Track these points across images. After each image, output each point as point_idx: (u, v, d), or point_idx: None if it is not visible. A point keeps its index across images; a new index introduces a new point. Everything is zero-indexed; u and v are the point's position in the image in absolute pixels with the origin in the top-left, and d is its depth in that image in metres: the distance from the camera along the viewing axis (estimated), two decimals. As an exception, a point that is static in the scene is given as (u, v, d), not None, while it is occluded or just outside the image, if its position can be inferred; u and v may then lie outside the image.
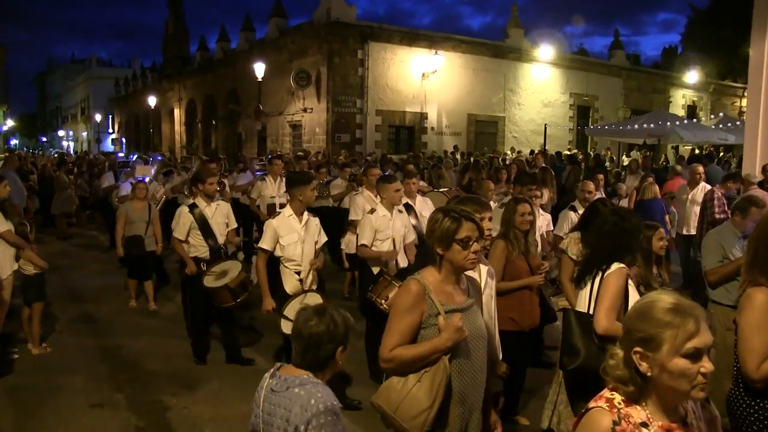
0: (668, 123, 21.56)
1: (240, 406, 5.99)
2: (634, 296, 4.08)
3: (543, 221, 7.96)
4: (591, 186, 8.26)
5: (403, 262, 6.97)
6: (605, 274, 4.09)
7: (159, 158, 17.33)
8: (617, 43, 35.78)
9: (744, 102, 39.56)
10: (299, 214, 6.25)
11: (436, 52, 26.75)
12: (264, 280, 6.22)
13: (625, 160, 22.83)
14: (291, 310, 5.73)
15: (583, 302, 4.29)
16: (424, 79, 26.98)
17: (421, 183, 12.54)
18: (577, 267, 5.21)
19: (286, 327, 5.56)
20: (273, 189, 10.94)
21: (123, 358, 7.59)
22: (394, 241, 6.90)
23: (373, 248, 6.84)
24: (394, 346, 3.13)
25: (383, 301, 6.12)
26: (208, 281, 7.06)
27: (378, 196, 8.52)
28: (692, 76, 36.78)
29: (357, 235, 8.21)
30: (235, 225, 8.07)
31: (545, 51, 30.49)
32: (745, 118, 14.01)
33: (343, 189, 12.04)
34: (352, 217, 8.92)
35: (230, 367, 7.25)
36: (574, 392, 4.38)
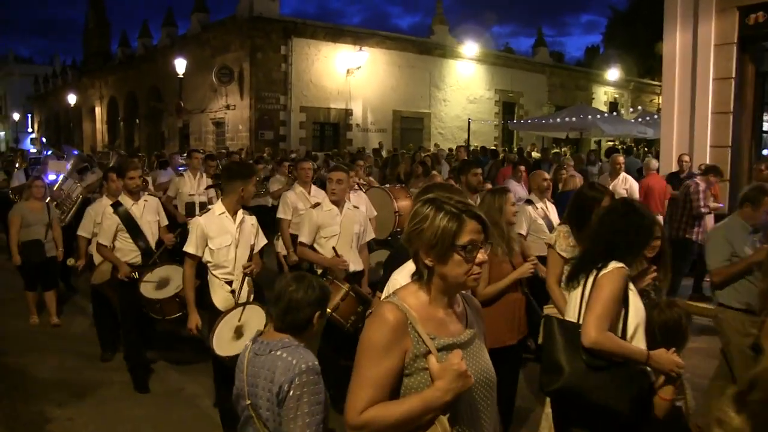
0: (590, 116, 22.00)
1: (131, 412, 5.73)
2: (636, 304, 3.37)
3: None
4: (545, 174, 7.71)
5: (355, 265, 6.23)
6: (599, 275, 3.36)
7: (75, 153, 15.38)
8: (540, 41, 36.34)
9: (661, 99, 40.97)
10: (233, 213, 5.36)
11: (360, 48, 26.58)
12: (191, 290, 5.38)
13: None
14: (224, 329, 4.94)
15: (572, 308, 3.55)
16: (349, 75, 26.78)
17: (370, 178, 12.29)
18: (566, 265, 4.50)
19: (219, 346, 4.86)
20: (192, 186, 10.04)
21: (6, 367, 7.00)
22: (338, 241, 6.18)
23: (316, 247, 6.19)
24: (366, 406, 2.19)
25: (333, 313, 5.42)
26: (148, 291, 6.30)
27: (310, 191, 8.30)
28: (613, 73, 37.59)
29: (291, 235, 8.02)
30: (166, 221, 7.35)
31: (470, 48, 30.67)
32: (661, 115, 14.35)
33: (283, 185, 11.28)
34: (280, 215, 8.19)
35: (122, 371, 6.75)
36: (559, 417, 3.60)
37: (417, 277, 2.37)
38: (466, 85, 31.22)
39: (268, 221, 9.52)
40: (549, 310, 4.86)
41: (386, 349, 2.21)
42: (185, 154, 13.26)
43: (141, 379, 6.53)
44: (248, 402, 2.99)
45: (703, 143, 12.41)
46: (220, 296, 5.31)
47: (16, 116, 61.56)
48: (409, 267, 2.70)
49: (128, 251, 6.66)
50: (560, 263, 4.84)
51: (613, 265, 3.33)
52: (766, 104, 12.92)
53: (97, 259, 7.30)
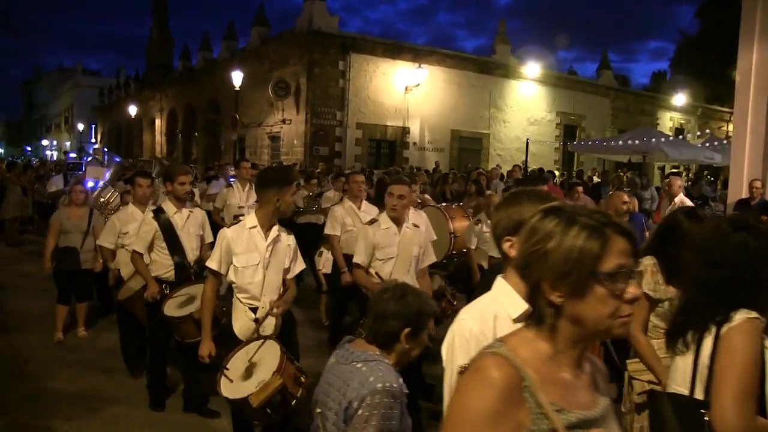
0: (653, 140, 20.91)
1: (141, 430, 5.38)
2: None
3: None
4: (625, 197, 7.54)
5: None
6: (724, 330, 2.43)
7: (117, 160, 14.65)
8: (605, 64, 35.33)
9: (731, 126, 39.74)
10: (267, 228, 4.59)
11: (419, 66, 26.12)
12: (208, 313, 4.70)
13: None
14: (236, 363, 4.25)
15: (681, 376, 2.63)
16: (407, 92, 26.34)
17: (425, 196, 11.71)
18: (658, 309, 3.72)
19: (226, 388, 4.13)
20: (241, 197, 9.50)
21: (23, 378, 6.63)
22: (395, 265, 5.52)
23: (372, 270, 5.55)
24: None
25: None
26: (169, 308, 5.64)
27: (360, 206, 7.81)
28: (680, 98, 36.53)
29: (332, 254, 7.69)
30: (211, 238, 6.42)
31: (532, 68, 29.97)
32: (731, 137, 13.53)
33: (336, 202, 10.18)
34: (328, 230, 7.71)
35: (142, 390, 6.23)
36: None
37: (533, 320, 1.65)
38: (526, 106, 30.48)
39: (318, 241, 9.05)
40: (634, 365, 3.85)
41: (492, 422, 1.49)
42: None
43: (158, 398, 6.07)
44: (318, 411, 2.85)
45: None
46: (241, 323, 4.61)
47: (80, 126, 62.93)
48: (482, 305, 2.09)
49: (163, 265, 6.06)
50: (646, 306, 3.81)
51: (742, 315, 2.41)
52: None
53: (125, 272, 6.79)
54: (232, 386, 4.13)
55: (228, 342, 4.52)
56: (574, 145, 27.51)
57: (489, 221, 8.06)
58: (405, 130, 26.73)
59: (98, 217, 8.58)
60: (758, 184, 10.82)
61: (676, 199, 10.08)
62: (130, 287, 6.48)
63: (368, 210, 7.70)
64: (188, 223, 6.20)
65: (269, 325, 4.56)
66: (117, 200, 10.11)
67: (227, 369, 4.21)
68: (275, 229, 4.64)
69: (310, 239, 9.58)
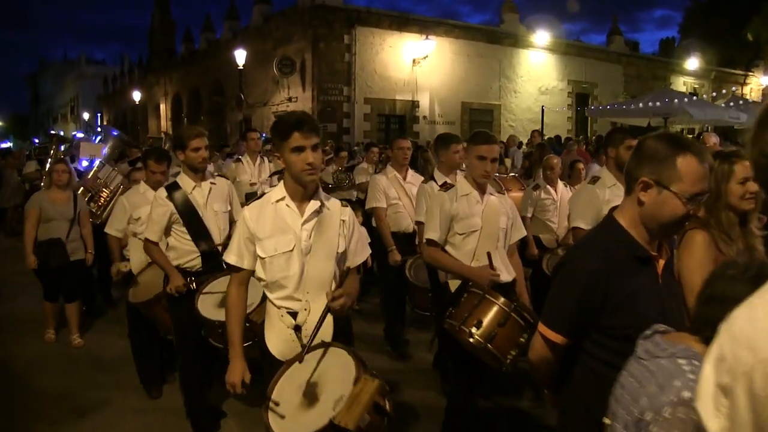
0: (676, 100, 20.17)
1: None
2: None
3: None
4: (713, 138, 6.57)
5: (506, 275, 4.51)
6: None
7: (114, 133, 12.61)
8: (615, 29, 34.61)
9: (747, 89, 39.22)
10: (301, 199, 3.42)
11: (427, 37, 25.50)
12: (236, 323, 3.51)
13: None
14: (286, 391, 3.15)
15: None
16: (415, 65, 25.74)
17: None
18: None
19: (276, 424, 3.05)
20: (252, 173, 8.60)
21: (9, 384, 6.06)
22: (479, 240, 4.52)
23: (449, 247, 4.58)
24: None
25: (473, 330, 3.95)
26: (206, 308, 4.61)
27: (406, 176, 7.06)
28: (692, 62, 35.79)
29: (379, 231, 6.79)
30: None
31: (541, 36, 29.29)
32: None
33: (368, 177, 9.50)
34: (372, 203, 6.87)
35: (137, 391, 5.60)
36: None
37: None
38: (537, 75, 29.84)
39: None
40: None
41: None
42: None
43: (204, 429, 5.14)
44: (607, 422, 2.14)
45: None
46: (276, 334, 3.43)
47: (86, 116, 62.67)
48: None
49: (185, 252, 4.98)
50: None
51: None
52: None
53: (135, 264, 5.82)
54: (291, 423, 3.07)
55: (264, 364, 3.45)
56: (592, 110, 26.72)
57: (549, 187, 7.51)
58: (414, 104, 26.18)
59: (82, 202, 7.64)
60: None
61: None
62: (145, 283, 5.50)
63: (414, 180, 7.04)
64: (211, 198, 5.09)
65: (320, 333, 3.26)
66: (118, 180, 8.97)
67: (275, 403, 3.11)
68: (314, 203, 3.44)
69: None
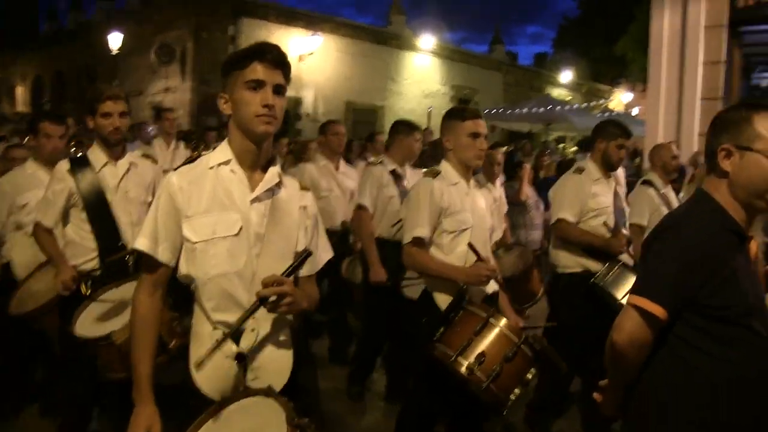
0: (557, 108, 21.08)
1: None
2: None
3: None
4: (674, 149, 6.43)
5: (493, 284, 3.92)
6: None
7: None
8: (497, 38, 35.59)
9: (611, 104, 41.38)
10: (253, 167, 2.56)
11: (314, 33, 24.94)
12: (143, 342, 2.49)
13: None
14: None
15: None
16: (301, 61, 25.04)
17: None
18: None
19: None
20: (165, 158, 7.59)
21: None
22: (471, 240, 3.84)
23: (434, 250, 3.86)
24: None
25: (472, 364, 3.25)
26: (83, 322, 3.60)
27: (338, 166, 6.57)
28: (566, 75, 37.65)
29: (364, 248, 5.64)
30: None
31: (427, 40, 29.43)
32: (647, 105, 13.66)
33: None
34: (362, 200, 5.72)
35: None
36: None
37: None
38: (421, 78, 29.97)
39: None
40: None
41: None
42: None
43: None
44: None
45: (691, 131, 11.84)
46: (210, 368, 2.46)
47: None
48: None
49: (82, 248, 4.01)
50: None
51: None
52: (752, 90, 12.65)
53: (21, 270, 4.68)
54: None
55: (189, 400, 2.48)
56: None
57: (491, 184, 6.88)
58: (298, 101, 25.45)
59: None
60: (674, 147, 10.77)
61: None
62: (32, 292, 4.33)
63: (348, 172, 6.63)
64: (127, 181, 4.12)
65: (266, 364, 2.47)
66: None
67: None
68: (273, 171, 2.57)
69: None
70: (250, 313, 2.39)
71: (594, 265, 4.95)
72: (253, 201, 2.51)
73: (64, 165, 4.07)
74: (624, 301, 4.31)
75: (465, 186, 3.94)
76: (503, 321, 3.42)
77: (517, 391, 3.32)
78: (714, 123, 2.41)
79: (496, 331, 3.38)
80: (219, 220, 2.45)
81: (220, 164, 2.54)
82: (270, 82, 2.47)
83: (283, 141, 10.56)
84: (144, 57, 24.85)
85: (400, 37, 28.76)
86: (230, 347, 2.44)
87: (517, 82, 35.02)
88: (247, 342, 2.46)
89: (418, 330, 3.83)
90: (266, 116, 2.43)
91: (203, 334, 2.50)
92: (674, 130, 11.87)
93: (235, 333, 2.44)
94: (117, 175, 4.12)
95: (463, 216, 3.84)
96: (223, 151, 2.57)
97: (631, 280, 4.51)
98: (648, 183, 5.98)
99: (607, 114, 24.88)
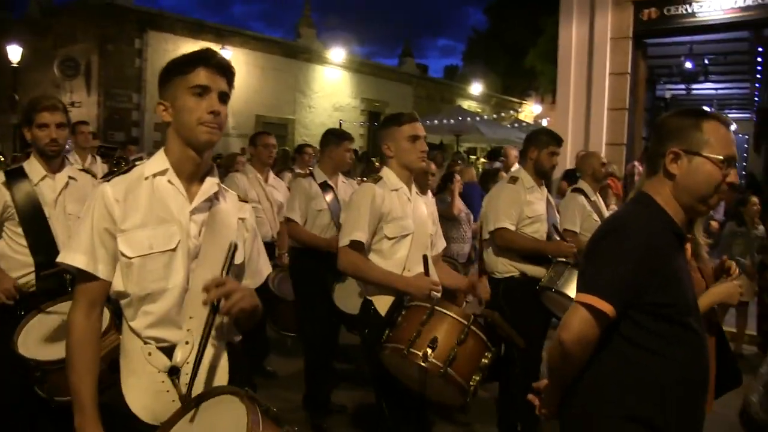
0: (468, 119, 21.62)
1: None
2: None
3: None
4: (602, 157, 6.60)
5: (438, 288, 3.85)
6: None
7: None
8: (407, 51, 36.04)
9: (521, 115, 42.51)
10: (191, 177, 2.42)
11: (222, 47, 24.78)
12: (85, 366, 2.31)
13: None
14: None
15: None
16: (210, 75, 24.90)
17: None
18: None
19: None
20: None
21: None
22: (411, 248, 3.82)
23: (373, 255, 3.81)
24: None
25: (428, 352, 3.16)
26: (27, 342, 3.41)
27: (267, 177, 6.52)
28: (476, 87, 38.32)
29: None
30: None
31: (337, 53, 29.63)
32: (555, 110, 14.08)
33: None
34: (290, 214, 5.73)
35: None
36: None
37: None
38: (332, 91, 30.14)
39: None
40: None
41: None
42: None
43: None
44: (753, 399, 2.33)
45: (599, 140, 12.22)
46: (140, 383, 2.34)
47: None
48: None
49: (16, 264, 3.86)
50: None
51: None
52: (657, 101, 13.19)
53: None
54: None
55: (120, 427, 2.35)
56: None
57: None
58: (208, 115, 25.23)
59: None
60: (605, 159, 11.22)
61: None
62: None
63: (276, 184, 6.64)
64: (65, 195, 3.99)
65: (200, 377, 2.33)
66: None
67: None
68: (211, 181, 2.45)
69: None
70: (209, 326, 2.24)
71: (531, 269, 5.10)
72: (192, 212, 2.38)
73: None
74: None
75: (407, 192, 3.90)
76: (449, 307, 3.35)
77: (476, 377, 3.22)
78: (659, 127, 2.48)
79: (443, 317, 3.29)
80: (156, 233, 2.31)
81: (155, 174, 2.38)
82: (215, 88, 2.36)
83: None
84: (46, 70, 24.17)
85: (310, 50, 28.88)
86: (162, 361, 2.32)
87: (427, 94, 35.50)
88: (181, 355, 2.33)
89: (365, 342, 3.82)
90: (211, 124, 2.32)
91: (133, 351, 2.35)
92: (582, 139, 12.23)
93: (168, 347, 2.34)
94: (55, 189, 3.97)
95: (405, 222, 3.80)
96: (159, 161, 2.41)
97: None
98: (579, 191, 6.17)
99: (517, 125, 25.54)
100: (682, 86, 18.48)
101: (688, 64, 16.33)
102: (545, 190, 5.43)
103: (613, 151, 11.70)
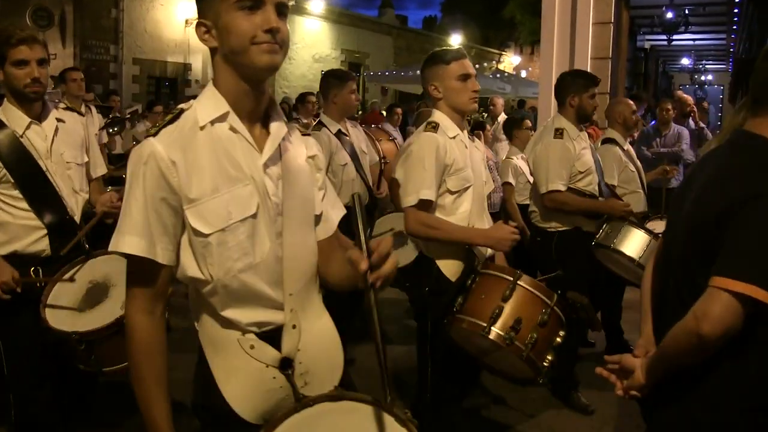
0: (450, 69, 21.66)
1: None
2: None
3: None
4: (633, 105, 6.14)
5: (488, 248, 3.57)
6: None
7: None
8: (387, 2, 35.78)
9: (501, 66, 42.48)
10: (251, 117, 1.92)
11: (200, -2, 24.42)
12: (159, 398, 1.86)
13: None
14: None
15: None
16: (188, 26, 24.50)
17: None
18: None
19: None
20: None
21: None
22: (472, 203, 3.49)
23: (440, 211, 3.42)
24: None
25: (511, 334, 2.94)
26: (59, 317, 3.11)
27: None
28: (456, 39, 38.28)
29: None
30: (104, 169, 3.91)
31: (317, 4, 29.31)
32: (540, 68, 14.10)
33: None
34: None
35: None
36: None
37: None
38: (312, 43, 29.88)
39: None
40: None
41: None
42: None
43: None
44: None
45: None
46: (243, 380, 1.92)
47: None
48: None
49: (21, 230, 3.29)
50: None
51: None
52: (637, 52, 13.28)
53: None
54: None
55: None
56: (371, 75, 28.08)
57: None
58: (187, 67, 24.99)
59: None
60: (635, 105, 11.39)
61: (499, 118, 10.84)
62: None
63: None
64: (58, 143, 3.43)
65: (314, 364, 2.00)
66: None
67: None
68: (278, 123, 1.96)
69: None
70: (375, 309, 1.72)
71: (585, 223, 4.86)
72: (266, 165, 1.90)
73: None
74: (642, 260, 4.31)
75: (464, 138, 3.51)
76: (534, 284, 3.09)
77: (549, 357, 3.01)
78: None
79: (526, 294, 3.05)
80: (232, 197, 1.83)
81: (213, 121, 1.87)
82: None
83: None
84: (18, 21, 23.56)
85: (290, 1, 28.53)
86: (269, 353, 1.92)
87: (407, 45, 35.36)
88: (290, 343, 1.94)
89: (419, 300, 3.51)
90: (270, 43, 1.83)
91: (228, 344, 1.91)
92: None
93: (269, 334, 1.93)
94: (46, 137, 3.38)
95: (466, 173, 3.43)
96: (213, 102, 1.89)
97: (639, 237, 4.53)
98: (611, 141, 5.80)
99: (498, 75, 25.53)
100: (662, 36, 18.56)
101: (669, 14, 16.44)
102: (586, 136, 5.14)
103: (598, 101, 11.89)
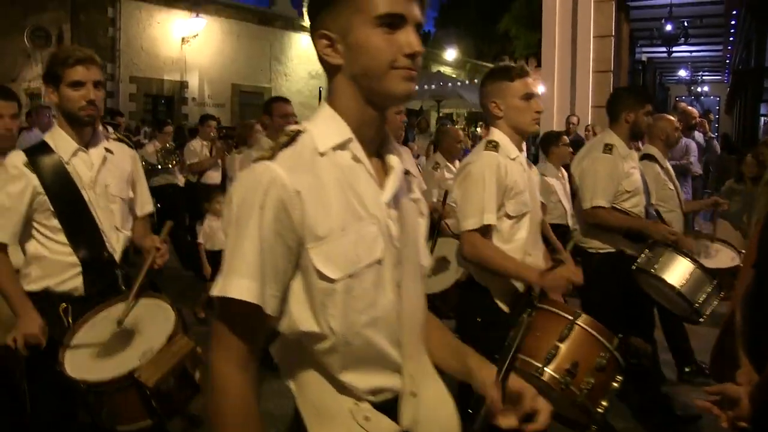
0: (449, 84, 21.53)
1: None
2: None
3: None
4: (676, 121, 5.98)
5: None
6: None
7: None
8: (382, 17, 35.89)
9: (541, 56, 42.73)
10: (368, 149, 1.66)
11: (197, 15, 24.48)
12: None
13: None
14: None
15: None
16: (185, 44, 24.57)
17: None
18: None
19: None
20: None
21: None
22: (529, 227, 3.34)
23: (497, 236, 3.23)
24: None
25: (567, 378, 2.74)
26: (76, 361, 2.76)
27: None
28: (450, 53, 38.58)
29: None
30: (150, 206, 3.61)
31: (312, 20, 29.42)
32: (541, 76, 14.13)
33: (201, 156, 8.63)
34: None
35: None
36: None
37: None
38: (308, 59, 29.69)
39: (179, 209, 7.97)
40: None
41: None
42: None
43: None
44: None
45: (585, 103, 12.31)
46: None
47: None
48: None
49: (56, 265, 3.08)
50: None
51: None
52: (635, 64, 13.34)
53: None
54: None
55: None
56: None
57: (450, 164, 6.70)
58: (183, 85, 24.93)
59: None
60: (575, 119, 11.25)
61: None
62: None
63: None
64: (104, 172, 3.22)
65: None
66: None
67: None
68: (396, 157, 1.71)
69: (167, 205, 8.23)
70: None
71: (628, 246, 4.67)
72: (388, 204, 1.65)
73: (18, 157, 3.04)
74: (684, 290, 4.09)
75: (523, 160, 3.35)
76: (594, 325, 2.88)
77: (604, 403, 2.81)
78: None
79: (586, 336, 2.85)
80: (359, 239, 1.57)
81: (336, 148, 1.61)
82: (412, 18, 1.57)
83: (211, 123, 9.37)
84: (15, 40, 23.64)
85: (286, 17, 28.59)
86: (385, 426, 1.63)
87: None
88: (409, 414, 1.66)
89: (473, 334, 3.19)
90: (410, 69, 1.57)
91: (337, 413, 1.61)
92: (568, 102, 12.32)
93: (387, 404, 1.65)
94: (93, 167, 3.17)
95: (525, 197, 3.25)
96: (335, 126, 1.63)
97: (683, 264, 4.29)
98: (650, 158, 5.55)
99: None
100: (661, 49, 18.65)
101: (669, 27, 16.53)
102: (636, 155, 4.93)
103: (599, 114, 11.81)
